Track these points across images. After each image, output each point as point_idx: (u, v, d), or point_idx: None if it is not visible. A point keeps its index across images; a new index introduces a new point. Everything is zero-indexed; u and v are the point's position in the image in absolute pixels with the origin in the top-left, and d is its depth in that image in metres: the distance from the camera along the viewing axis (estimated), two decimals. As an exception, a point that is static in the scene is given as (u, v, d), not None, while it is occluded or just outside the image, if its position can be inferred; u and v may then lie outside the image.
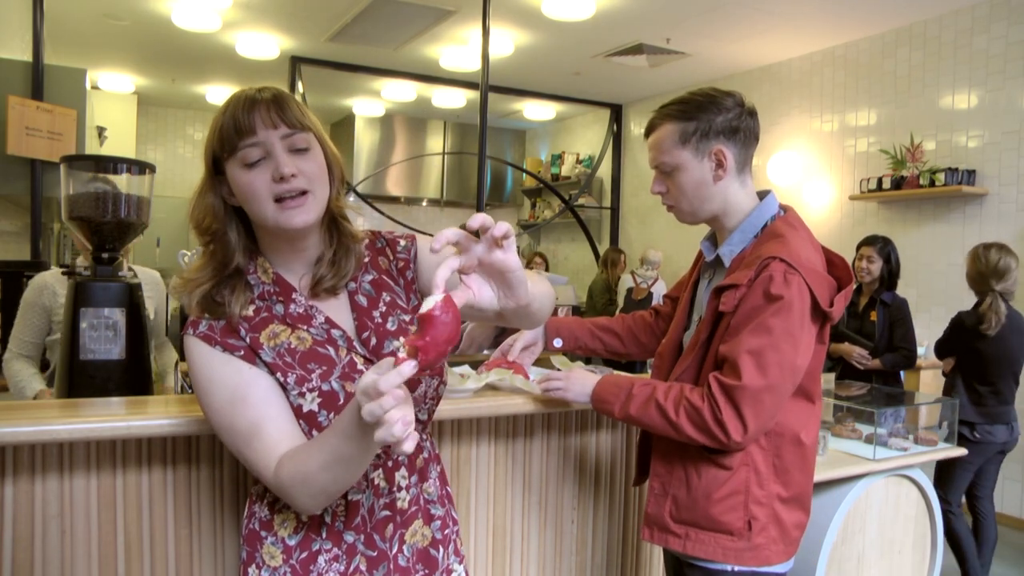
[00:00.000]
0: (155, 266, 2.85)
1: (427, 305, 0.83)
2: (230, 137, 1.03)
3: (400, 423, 0.81)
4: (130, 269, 2.71)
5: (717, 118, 1.46)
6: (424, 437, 1.21)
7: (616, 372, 1.65)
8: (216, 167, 1.08)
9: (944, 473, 3.27)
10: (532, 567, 1.87)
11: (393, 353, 1.02)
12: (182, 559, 1.46)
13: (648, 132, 1.55)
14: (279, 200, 1.04)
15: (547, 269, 7.50)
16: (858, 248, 3.68)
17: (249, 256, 1.12)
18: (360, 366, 1.10)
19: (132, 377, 1.91)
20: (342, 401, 1.06)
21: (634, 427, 2.02)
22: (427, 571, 1.16)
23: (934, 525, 2.51)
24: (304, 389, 1.05)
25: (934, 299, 4.71)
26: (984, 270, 3.20)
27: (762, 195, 1.55)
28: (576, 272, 8.17)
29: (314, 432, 1.06)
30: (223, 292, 1.08)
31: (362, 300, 1.15)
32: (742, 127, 1.48)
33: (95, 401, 1.68)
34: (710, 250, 1.58)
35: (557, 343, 1.77)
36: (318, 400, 1.05)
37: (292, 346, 1.07)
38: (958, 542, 3.24)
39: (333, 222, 1.14)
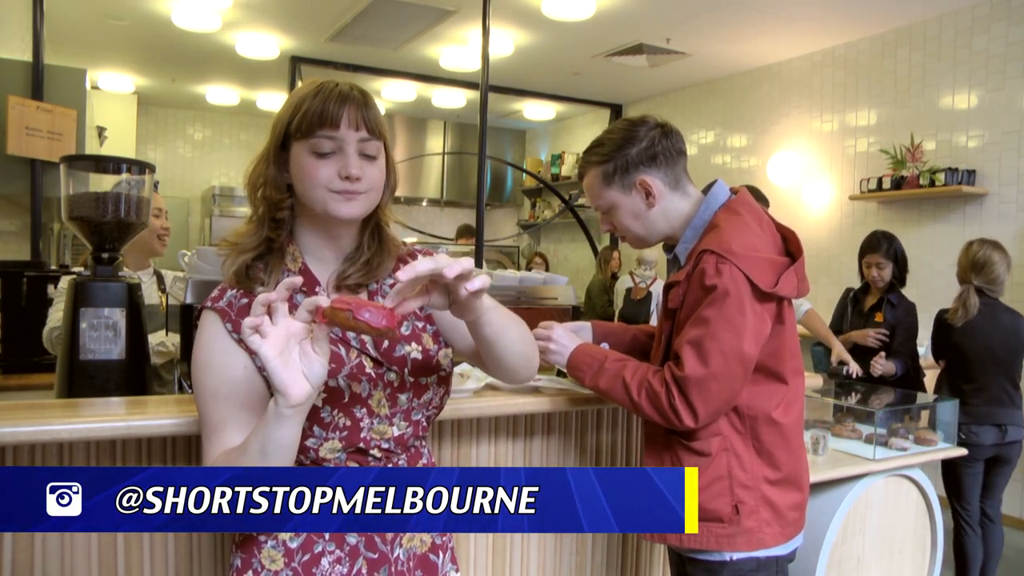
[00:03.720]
0: (155, 266, 2.85)
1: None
2: (312, 122, 1.07)
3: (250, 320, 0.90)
4: (156, 272, 2.72)
5: (631, 151, 1.52)
6: (422, 444, 1.21)
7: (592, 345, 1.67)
8: (283, 142, 1.11)
9: (950, 479, 3.19)
10: (532, 567, 1.87)
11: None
12: (181, 559, 1.46)
13: (580, 179, 1.63)
14: (334, 192, 1.07)
15: (547, 269, 7.50)
16: (862, 256, 3.50)
17: (287, 238, 1.14)
18: (368, 369, 1.10)
19: (132, 377, 1.90)
20: (346, 399, 1.07)
21: (632, 426, 2.02)
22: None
23: (934, 525, 2.51)
24: None
25: (934, 299, 4.70)
26: (964, 263, 3.20)
27: (709, 187, 1.58)
28: (576, 272, 8.17)
29: (315, 428, 1.07)
30: (258, 267, 1.10)
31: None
32: (659, 151, 1.53)
33: (95, 401, 1.68)
34: (669, 251, 1.64)
35: (604, 347, 1.75)
36: (323, 395, 1.06)
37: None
38: (965, 560, 3.15)
39: (376, 227, 1.17)
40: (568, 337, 1.60)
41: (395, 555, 1.12)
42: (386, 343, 1.13)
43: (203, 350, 1.07)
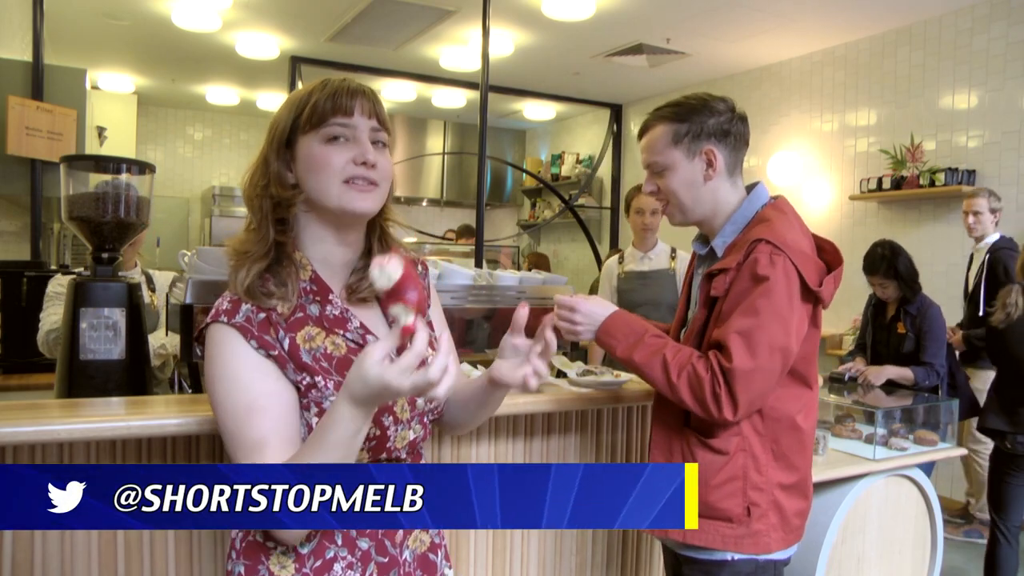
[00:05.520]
0: (155, 266, 2.85)
1: (395, 272, 0.87)
2: (323, 112, 1.05)
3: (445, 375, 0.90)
4: (144, 273, 2.73)
5: (709, 120, 1.51)
6: (422, 447, 1.21)
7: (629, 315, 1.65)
8: (288, 138, 1.08)
9: (994, 488, 3.01)
10: (532, 567, 1.87)
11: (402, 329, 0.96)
12: (181, 559, 1.46)
13: (642, 133, 1.58)
14: (348, 182, 1.05)
15: (547, 269, 7.50)
16: (865, 273, 3.37)
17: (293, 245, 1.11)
18: None
19: (132, 377, 1.91)
20: (375, 408, 1.06)
21: (632, 426, 2.02)
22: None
23: (934, 525, 2.51)
24: None
25: (934, 299, 4.70)
26: (1018, 263, 3.04)
27: (751, 187, 1.58)
28: (576, 272, 8.17)
29: None
30: (272, 282, 1.06)
31: None
32: (733, 131, 1.53)
33: (95, 401, 1.69)
34: (702, 246, 1.62)
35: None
36: None
37: (328, 351, 1.06)
38: (994, 571, 2.96)
39: (383, 231, 1.16)
40: (601, 304, 1.55)
41: (403, 557, 1.12)
42: (408, 344, 1.13)
43: (227, 366, 1.01)
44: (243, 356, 1.01)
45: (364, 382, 0.88)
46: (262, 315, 1.04)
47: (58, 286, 2.61)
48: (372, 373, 0.87)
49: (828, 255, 1.51)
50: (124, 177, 1.97)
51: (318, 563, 1.05)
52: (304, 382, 1.04)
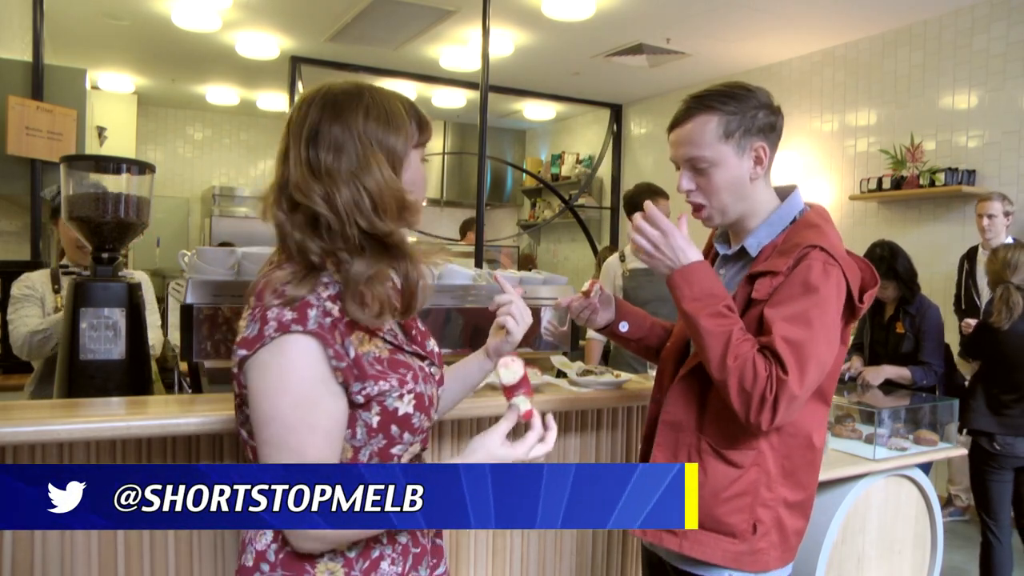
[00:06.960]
0: (155, 266, 2.85)
1: (519, 370, 1.13)
2: (425, 130, 1.10)
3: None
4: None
5: (759, 113, 1.40)
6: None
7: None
8: (391, 151, 1.04)
9: (979, 489, 3.02)
10: (532, 567, 1.87)
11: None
12: (182, 559, 1.46)
13: (681, 121, 1.42)
14: None
15: (537, 268, 7.49)
16: None
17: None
18: (428, 369, 1.14)
19: (132, 377, 1.91)
20: (428, 403, 1.09)
21: (632, 426, 2.01)
22: (436, 560, 1.18)
23: (934, 525, 2.51)
24: (404, 391, 1.04)
25: (934, 299, 4.67)
26: (995, 266, 3.04)
27: (785, 189, 1.52)
28: (576, 272, 8.17)
29: (405, 435, 1.05)
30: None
31: None
32: (777, 125, 1.44)
33: (95, 401, 1.68)
34: (726, 247, 1.53)
35: (623, 327, 1.67)
36: (413, 402, 1.05)
37: (377, 355, 1.05)
38: (991, 574, 2.97)
39: None
40: (690, 245, 1.38)
41: (425, 544, 1.15)
42: (419, 338, 1.17)
43: (307, 385, 0.95)
44: (316, 370, 0.97)
45: (490, 457, 1.03)
46: (328, 319, 0.98)
47: (24, 288, 2.61)
48: (499, 453, 1.03)
49: (865, 273, 1.45)
50: (124, 177, 1.97)
51: (366, 564, 1.04)
52: (365, 392, 1.01)
